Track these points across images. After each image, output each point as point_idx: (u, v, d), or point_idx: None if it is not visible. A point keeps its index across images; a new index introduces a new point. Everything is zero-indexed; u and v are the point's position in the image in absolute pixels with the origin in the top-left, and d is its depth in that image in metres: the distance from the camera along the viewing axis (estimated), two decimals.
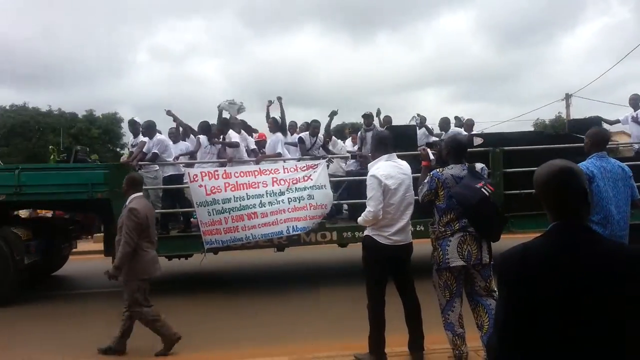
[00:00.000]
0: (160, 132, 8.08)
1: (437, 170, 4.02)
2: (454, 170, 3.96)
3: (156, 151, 7.68)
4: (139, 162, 7.64)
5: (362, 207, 4.14)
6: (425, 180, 4.02)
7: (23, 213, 9.85)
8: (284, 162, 7.83)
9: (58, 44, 76.60)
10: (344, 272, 8.47)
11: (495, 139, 8.27)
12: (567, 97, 25.38)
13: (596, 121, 8.42)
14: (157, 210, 7.77)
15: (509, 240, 2.67)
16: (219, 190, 7.04)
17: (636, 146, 8.80)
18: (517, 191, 7.51)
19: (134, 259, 4.70)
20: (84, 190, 7.21)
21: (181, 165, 8.02)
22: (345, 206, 8.84)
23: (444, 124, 9.55)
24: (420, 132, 9.11)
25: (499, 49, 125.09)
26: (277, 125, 8.64)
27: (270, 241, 7.31)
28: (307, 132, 8.74)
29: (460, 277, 3.94)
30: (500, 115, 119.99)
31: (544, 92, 73.48)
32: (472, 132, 9.37)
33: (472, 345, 4.06)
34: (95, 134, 34.88)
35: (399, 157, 4.15)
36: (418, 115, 9.69)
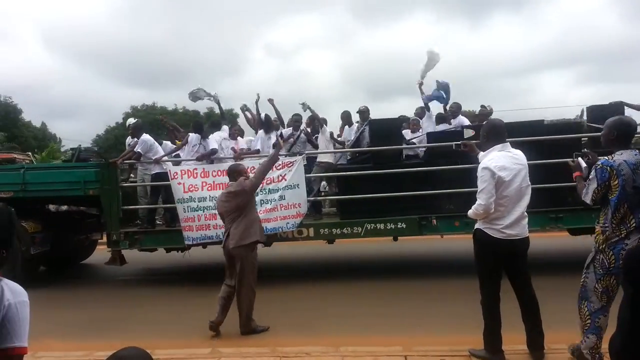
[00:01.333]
0: (147, 133, 8.50)
1: (606, 158, 3.61)
2: (624, 156, 3.55)
3: (139, 150, 8.13)
4: (125, 161, 8.20)
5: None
6: (592, 175, 3.62)
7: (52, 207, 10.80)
8: (259, 160, 7.80)
9: (184, 47, 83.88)
10: (459, 264, 8.10)
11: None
12: None
13: (618, 107, 7.67)
14: (142, 206, 8.36)
15: None
16: (196, 189, 7.42)
17: None
18: None
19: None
20: (78, 187, 7.82)
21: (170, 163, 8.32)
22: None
23: (457, 109, 8.99)
24: (456, 121, 8.67)
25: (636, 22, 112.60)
26: (260, 123, 8.84)
27: None
28: (291, 128, 8.74)
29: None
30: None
31: None
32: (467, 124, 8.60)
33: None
34: None
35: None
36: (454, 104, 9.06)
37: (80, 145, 11.18)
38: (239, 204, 5.26)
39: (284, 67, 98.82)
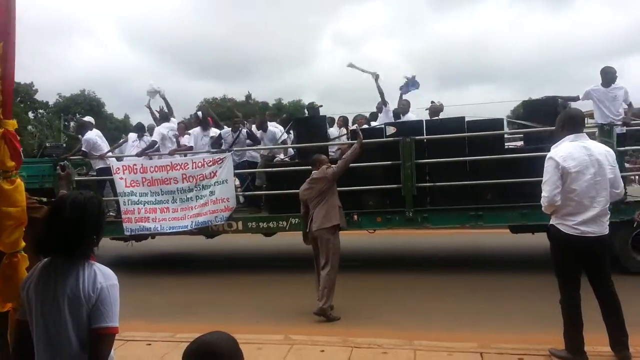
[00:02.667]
0: (92, 130, 8.98)
1: None
2: None
3: (83, 149, 8.83)
4: (69, 157, 9.04)
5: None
6: None
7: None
8: (193, 156, 8.27)
9: (253, 39, 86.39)
10: (539, 259, 7.71)
11: (412, 127, 7.79)
12: None
13: (552, 101, 7.62)
14: None
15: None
16: (137, 184, 8.03)
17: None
18: (432, 184, 7.32)
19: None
20: (36, 180, 8.53)
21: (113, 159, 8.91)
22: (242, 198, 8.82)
23: (407, 106, 9.07)
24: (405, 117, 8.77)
25: None
26: (197, 120, 9.43)
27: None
28: (230, 129, 8.93)
29: None
30: None
31: None
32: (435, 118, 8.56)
33: None
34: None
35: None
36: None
37: (46, 142, 12.23)
38: (320, 189, 5.62)
39: (351, 57, 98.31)
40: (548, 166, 3.74)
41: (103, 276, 1.92)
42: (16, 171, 2.12)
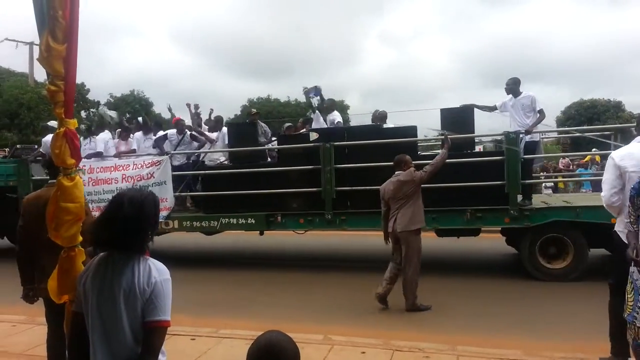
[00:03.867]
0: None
1: None
2: None
3: (42, 151, 9.66)
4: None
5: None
6: None
7: None
8: (136, 158, 8.87)
9: (298, 39, 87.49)
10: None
11: (334, 133, 8.31)
12: None
13: (468, 110, 7.70)
14: None
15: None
16: (85, 184, 8.29)
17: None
18: (350, 188, 7.59)
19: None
20: (2, 179, 9.32)
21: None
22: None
23: (330, 105, 9.44)
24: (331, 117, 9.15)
25: None
26: (138, 125, 10.25)
27: None
28: (175, 130, 9.48)
29: None
30: None
31: None
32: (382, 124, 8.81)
33: None
34: None
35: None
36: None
37: (16, 144, 12.99)
38: (406, 192, 5.73)
39: (398, 56, 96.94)
40: (607, 165, 3.64)
41: (157, 271, 1.98)
42: (75, 168, 2.21)
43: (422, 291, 5.94)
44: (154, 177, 8.37)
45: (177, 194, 8.70)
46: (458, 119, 7.58)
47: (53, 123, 10.39)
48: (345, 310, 5.85)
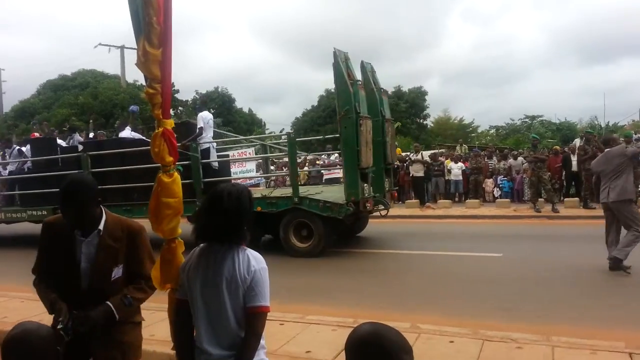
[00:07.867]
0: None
1: None
2: None
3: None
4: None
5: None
6: None
7: None
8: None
9: (376, 25, 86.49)
10: None
11: (94, 145, 11.28)
12: None
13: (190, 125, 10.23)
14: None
15: None
16: None
17: None
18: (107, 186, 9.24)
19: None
20: None
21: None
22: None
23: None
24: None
25: None
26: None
27: None
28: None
29: None
30: None
31: None
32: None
33: None
34: (402, 108, 37.52)
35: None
36: None
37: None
38: (618, 165, 6.47)
39: (483, 33, 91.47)
40: None
41: (255, 260, 2.10)
42: (174, 165, 2.35)
43: (515, 280, 5.71)
44: None
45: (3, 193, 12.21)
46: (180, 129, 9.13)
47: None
48: (432, 299, 5.77)
